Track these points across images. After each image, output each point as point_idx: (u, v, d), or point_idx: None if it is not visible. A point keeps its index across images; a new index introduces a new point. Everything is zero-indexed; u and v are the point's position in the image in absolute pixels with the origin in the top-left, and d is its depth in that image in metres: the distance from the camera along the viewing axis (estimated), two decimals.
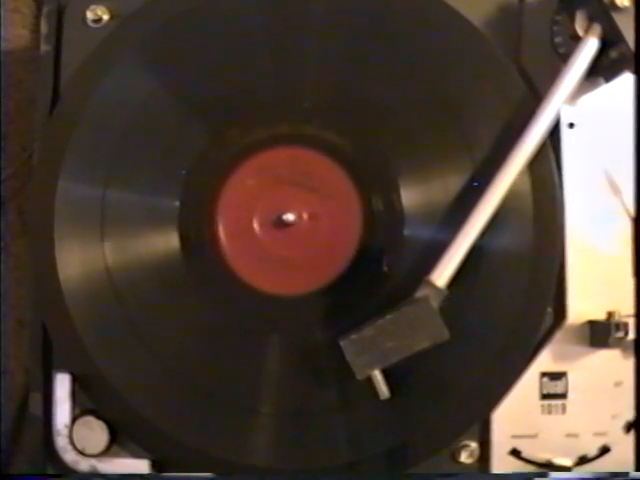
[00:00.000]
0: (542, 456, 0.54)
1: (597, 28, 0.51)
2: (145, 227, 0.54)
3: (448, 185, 0.53)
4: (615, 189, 0.54)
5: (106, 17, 0.55)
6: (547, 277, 0.53)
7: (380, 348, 0.50)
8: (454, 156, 0.53)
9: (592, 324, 0.53)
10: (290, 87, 0.55)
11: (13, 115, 0.64)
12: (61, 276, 0.53)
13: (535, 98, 0.53)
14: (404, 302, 0.50)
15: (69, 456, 0.55)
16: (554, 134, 0.53)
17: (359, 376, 0.50)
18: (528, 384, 0.53)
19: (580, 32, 0.52)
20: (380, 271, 0.53)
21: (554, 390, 0.54)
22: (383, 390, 0.51)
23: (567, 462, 0.53)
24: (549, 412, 0.54)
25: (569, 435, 0.54)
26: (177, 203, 0.54)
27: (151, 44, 0.54)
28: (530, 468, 0.53)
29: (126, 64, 0.54)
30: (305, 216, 0.54)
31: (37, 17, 0.63)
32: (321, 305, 0.54)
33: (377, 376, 0.50)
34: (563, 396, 0.54)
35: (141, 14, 0.55)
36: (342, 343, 0.50)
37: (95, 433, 0.54)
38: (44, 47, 0.56)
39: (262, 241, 0.54)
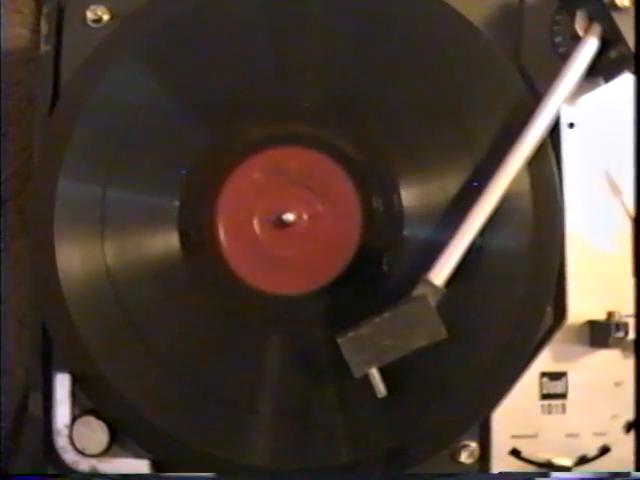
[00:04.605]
0: (542, 456, 0.54)
1: (597, 28, 0.51)
2: (145, 227, 0.54)
3: (448, 185, 0.53)
4: (615, 189, 0.54)
5: (106, 17, 0.55)
6: (547, 277, 0.53)
7: (377, 346, 0.50)
8: (454, 156, 0.53)
9: (592, 324, 0.53)
10: (290, 87, 0.55)
11: (13, 115, 0.64)
12: (61, 276, 0.53)
13: (535, 98, 0.53)
14: (402, 300, 0.50)
15: (69, 456, 0.55)
16: (554, 134, 0.53)
17: (356, 374, 0.50)
18: (528, 384, 0.53)
19: (580, 32, 0.52)
20: (380, 271, 0.53)
21: (554, 390, 0.54)
22: (380, 388, 0.50)
23: (567, 462, 0.53)
24: (549, 412, 0.54)
25: (569, 435, 0.54)
26: (177, 203, 0.54)
27: (151, 44, 0.55)
28: (530, 468, 0.53)
29: (126, 64, 0.54)
30: (305, 216, 0.54)
31: (37, 17, 0.63)
32: (321, 305, 0.54)
33: (374, 374, 0.50)
34: (563, 396, 0.54)
35: (141, 14, 0.55)
36: (339, 341, 0.50)
37: (95, 433, 0.54)
38: (44, 47, 0.56)
39: (262, 241, 0.54)
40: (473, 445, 0.54)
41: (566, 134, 0.54)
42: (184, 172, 0.54)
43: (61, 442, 0.55)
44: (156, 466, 0.55)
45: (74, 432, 0.54)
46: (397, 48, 0.54)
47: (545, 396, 0.54)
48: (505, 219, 0.52)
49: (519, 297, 0.52)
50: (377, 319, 0.50)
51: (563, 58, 0.53)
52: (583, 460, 0.54)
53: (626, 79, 0.53)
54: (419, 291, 0.51)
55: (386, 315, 0.50)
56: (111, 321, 0.54)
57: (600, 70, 0.52)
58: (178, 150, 0.54)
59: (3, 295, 0.63)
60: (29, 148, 0.62)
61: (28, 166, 0.62)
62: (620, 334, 0.51)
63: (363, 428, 0.53)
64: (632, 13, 0.50)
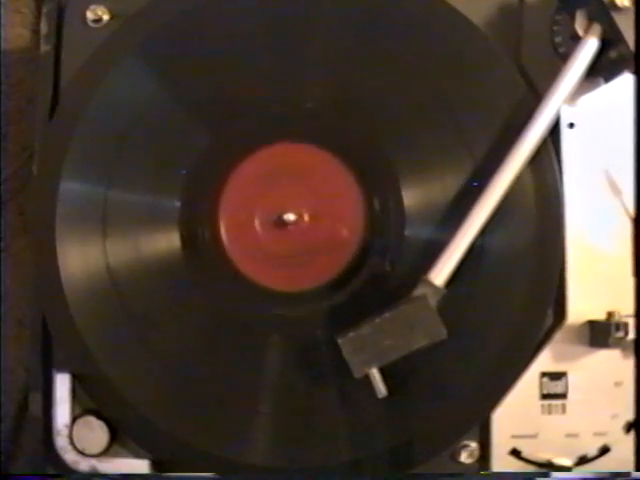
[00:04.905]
0: (542, 456, 0.54)
1: (597, 28, 0.51)
2: (146, 227, 0.54)
3: (448, 185, 0.53)
4: (615, 189, 0.54)
5: (106, 17, 0.55)
6: (548, 277, 0.53)
7: (378, 346, 0.50)
8: (454, 156, 0.53)
9: (592, 324, 0.53)
10: (291, 87, 0.55)
11: (13, 115, 0.64)
12: (62, 276, 0.53)
13: (535, 98, 0.53)
14: (402, 300, 0.50)
15: (69, 456, 0.55)
16: (554, 134, 0.53)
17: (356, 374, 0.50)
18: (528, 384, 0.53)
19: (580, 32, 0.52)
20: (381, 270, 0.53)
21: (554, 390, 0.54)
22: (380, 389, 0.50)
23: (567, 462, 0.53)
24: (549, 412, 0.54)
25: (569, 435, 0.54)
26: (178, 203, 0.54)
27: (152, 44, 0.54)
28: (530, 468, 0.53)
29: (127, 64, 0.54)
30: (306, 215, 0.54)
31: (37, 17, 0.63)
32: (322, 305, 0.54)
33: (375, 374, 0.50)
34: (563, 396, 0.54)
35: (142, 14, 0.55)
36: (340, 341, 0.50)
37: (95, 433, 0.54)
38: (44, 47, 0.56)
39: (263, 240, 0.54)
40: (473, 445, 0.54)
41: (566, 134, 0.54)
42: (185, 172, 0.54)
43: (61, 442, 0.55)
44: (156, 466, 0.55)
45: (74, 432, 0.54)
46: (398, 48, 0.54)
47: (545, 396, 0.54)
48: (505, 219, 0.52)
49: (520, 297, 0.52)
50: (377, 319, 0.50)
51: (563, 58, 0.53)
52: (583, 460, 0.54)
53: (626, 79, 0.53)
54: (419, 291, 0.51)
55: (386, 315, 0.50)
56: (112, 321, 0.54)
57: (600, 70, 0.52)
58: (179, 150, 0.54)
59: (3, 295, 0.63)
60: (29, 148, 0.62)
61: (28, 166, 0.62)
62: (620, 334, 0.51)
63: (363, 428, 0.53)
64: (632, 13, 0.50)
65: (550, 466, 0.53)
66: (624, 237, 0.54)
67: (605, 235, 0.54)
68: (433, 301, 0.50)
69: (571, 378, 0.54)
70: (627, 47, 0.50)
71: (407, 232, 0.53)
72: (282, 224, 0.54)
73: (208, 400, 0.54)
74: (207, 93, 0.55)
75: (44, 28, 0.56)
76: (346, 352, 0.50)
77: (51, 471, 0.55)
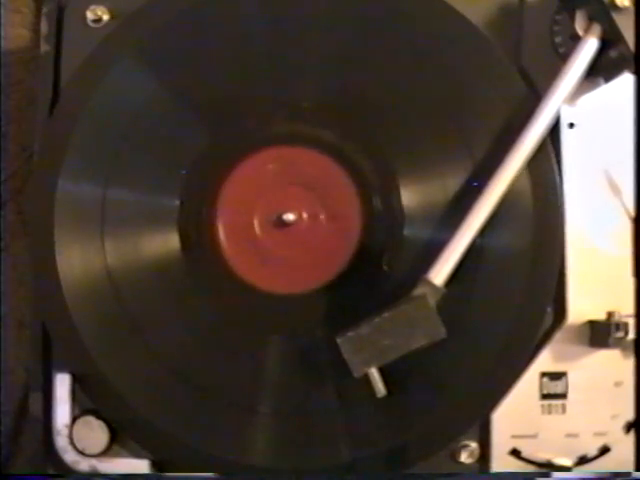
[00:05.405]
0: (542, 456, 0.54)
1: (597, 28, 0.51)
2: (145, 227, 0.54)
3: (448, 185, 0.53)
4: (615, 189, 0.54)
5: (106, 17, 0.55)
6: (547, 277, 0.53)
7: (377, 346, 0.50)
8: (454, 155, 0.53)
9: (592, 324, 0.53)
10: (290, 87, 0.55)
11: (13, 115, 0.64)
12: (61, 276, 0.53)
13: (535, 98, 0.53)
14: (402, 300, 0.50)
15: (69, 456, 0.55)
16: (554, 134, 0.53)
17: (356, 374, 0.50)
18: (528, 384, 0.53)
19: (580, 32, 0.52)
20: (380, 271, 0.53)
21: (554, 390, 0.54)
22: (380, 388, 0.50)
23: (567, 462, 0.53)
24: (549, 412, 0.54)
25: (569, 435, 0.54)
26: (177, 203, 0.54)
27: (151, 44, 0.55)
28: (530, 468, 0.53)
29: (126, 64, 0.54)
30: (305, 216, 0.54)
31: (37, 17, 0.63)
32: (321, 305, 0.54)
33: (374, 374, 0.50)
34: (563, 396, 0.54)
35: (141, 14, 0.55)
36: (339, 340, 0.50)
37: (95, 433, 0.54)
38: (44, 47, 0.56)
39: (262, 241, 0.54)
40: (473, 445, 0.54)
41: (566, 134, 0.54)
42: (184, 172, 0.54)
43: (61, 442, 0.55)
44: (156, 466, 0.55)
45: (74, 432, 0.54)
46: (397, 48, 0.54)
47: (545, 396, 0.54)
48: (505, 219, 0.52)
49: (519, 297, 0.52)
50: (377, 319, 0.50)
51: (563, 58, 0.53)
52: (583, 460, 0.54)
53: (626, 79, 0.53)
54: (419, 291, 0.51)
55: (386, 315, 0.50)
56: (111, 321, 0.54)
57: (600, 70, 0.52)
58: (178, 150, 0.54)
59: (3, 295, 0.63)
60: (29, 148, 0.62)
61: (28, 166, 0.62)
62: (620, 334, 0.51)
63: (363, 428, 0.53)
64: (632, 13, 0.50)
65: (550, 466, 0.53)
66: (624, 237, 0.54)
67: (605, 235, 0.54)
68: (432, 301, 0.50)
69: (571, 378, 0.54)
70: (627, 47, 0.50)
71: (406, 232, 0.53)
72: (281, 224, 0.54)
73: (207, 400, 0.54)
74: (206, 93, 0.55)
75: (44, 28, 0.56)
76: (345, 352, 0.50)
77: (51, 471, 0.55)
